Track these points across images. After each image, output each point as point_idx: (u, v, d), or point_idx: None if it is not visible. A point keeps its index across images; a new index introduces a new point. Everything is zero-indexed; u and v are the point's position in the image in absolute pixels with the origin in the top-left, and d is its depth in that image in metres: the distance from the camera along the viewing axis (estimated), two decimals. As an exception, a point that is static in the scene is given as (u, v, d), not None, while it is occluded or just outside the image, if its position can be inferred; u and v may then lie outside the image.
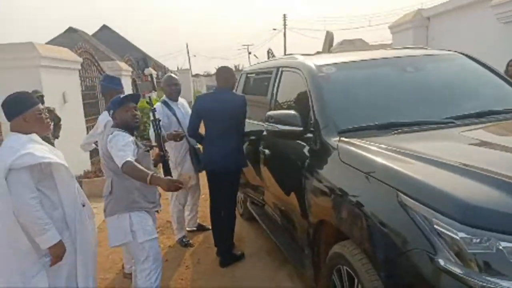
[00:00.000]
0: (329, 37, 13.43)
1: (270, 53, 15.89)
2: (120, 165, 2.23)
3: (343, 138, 2.09)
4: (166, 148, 2.95)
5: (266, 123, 2.42)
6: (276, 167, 2.90)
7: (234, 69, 19.45)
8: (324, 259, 2.12)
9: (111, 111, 2.51)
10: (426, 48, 3.16)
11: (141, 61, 3.18)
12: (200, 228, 4.08)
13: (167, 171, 2.85)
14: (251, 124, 3.42)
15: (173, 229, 3.96)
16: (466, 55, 2.88)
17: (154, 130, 2.93)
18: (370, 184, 1.70)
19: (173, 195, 3.77)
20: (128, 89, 8.51)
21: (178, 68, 32.32)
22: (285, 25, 26.76)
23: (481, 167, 1.46)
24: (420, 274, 1.33)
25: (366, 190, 1.70)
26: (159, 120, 2.98)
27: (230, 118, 3.12)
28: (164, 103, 3.63)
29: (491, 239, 1.20)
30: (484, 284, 1.17)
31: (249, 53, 37.88)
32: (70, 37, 20.50)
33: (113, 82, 3.21)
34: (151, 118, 2.98)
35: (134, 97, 2.58)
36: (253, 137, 3.36)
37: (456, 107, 2.32)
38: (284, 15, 29.24)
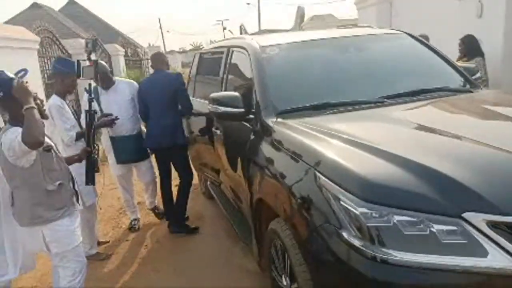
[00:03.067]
0: (300, 12, 13.33)
1: (242, 29, 15.62)
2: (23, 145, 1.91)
3: (279, 119, 2.15)
4: (96, 144, 2.81)
5: (209, 105, 2.45)
6: (226, 147, 2.95)
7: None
8: (264, 235, 2.22)
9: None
10: (372, 27, 3.21)
11: (90, 43, 2.91)
12: (155, 210, 4.01)
13: (91, 171, 2.71)
14: (205, 105, 3.43)
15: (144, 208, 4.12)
16: (409, 35, 2.95)
17: (86, 122, 2.79)
18: (294, 163, 1.77)
19: (117, 181, 3.77)
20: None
21: (149, 45, 31.38)
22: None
23: (390, 146, 1.55)
24: (329, 247, 1.43)
25: (292, 169, 1.78)
26: (95, 112, 2.85)
27: (163, 96, 3.33)
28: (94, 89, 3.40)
29: (388, 213, 1.30)
30: (379, 254, 1.27)
31: (224, 28, 37.05)
32: (35, 14, 19.48)
33: (66, 66, 2.94)
34: (87, 107, 2.84)
35: None
36: (206, 118, 3.39)
37: (391, 86, 2.40)
38: (259, -11, 28.57)
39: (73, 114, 3.07)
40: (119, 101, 3.45)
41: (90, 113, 2.79)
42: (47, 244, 2.19)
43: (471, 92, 2.44)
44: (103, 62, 3.61)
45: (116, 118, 3.25)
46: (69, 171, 2.35)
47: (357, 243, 1.32)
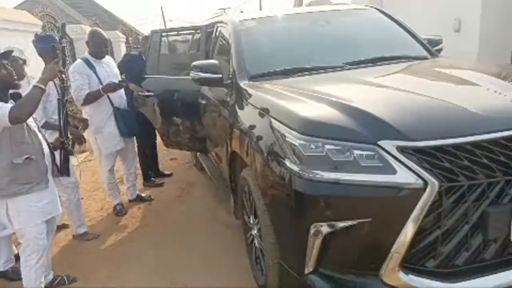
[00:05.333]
0: (298, -2, 13.46)
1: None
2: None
3: (251, 82, 2.44)
4: (69, 135, 2.66)
5: (191, 72, 2.73)
6: (209, 113, 3.24)
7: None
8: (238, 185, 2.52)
9: None
10: (346, 4, 3.46)
11: (60, 28, 2.91)
12: (140, 199, 3.94)
13: (66, 161, 2.56)
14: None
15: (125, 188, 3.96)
16: (379, 10, 3.20)
17: (58, 111, 2.61)
18: (257, 114, 2.06)
19: (100, 160, 3.64)
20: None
21: (153, 33, 31.34)
22: (260, -13, 26.20)
23: (331, 95, 1.84)
24: (277, 175, 1.72)
25: (254, 120, 2.07)
26: (67, 101, 2.72)
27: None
28: (85, 60, 3.42)
29: (321, 144, 1.59)
30: (311, 176, 1.56)
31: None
32: (38, 2, 19.76)
33: (45, 42, 2.97)
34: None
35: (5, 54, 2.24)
36: (194, 92, 3.64)
37: (354, 54, 2.66)
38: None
39: (57, 91, 2.93)
40: (115, 73, 3.59)
41: (63, 102, 2.62)
42: (9, 218, 2.19)
43: (427, 59, 2.70)
44: (100, 30, 3.64)
45: (124, 81, 3.39)
46: (42, 146, 2.29)
47: (297, 168, 1.61)
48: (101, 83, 3.37)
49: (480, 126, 1.51)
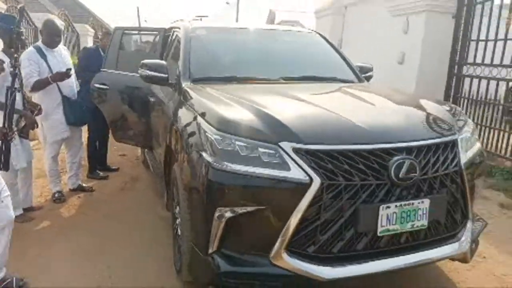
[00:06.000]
0: (271, 16, 14.05)
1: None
2: None
3: (192, 84, 2.68)
4: (14, 126, 2.57)
5: (140, 69, 2.92)
6: (155, 111, 3.43)
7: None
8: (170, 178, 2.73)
9: None
10: (293, 26, 3.81)
11: (19, 13, 2.94)
12: (81, 189, 3.98)
13: (6, 154, 2.46)
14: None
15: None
16: (320, 35, 3.57)
17: (6, 100, 2.53)
18: (189, 112, 2.30)
19: (45, 147, 3.69)
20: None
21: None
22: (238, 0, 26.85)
23: (253, 101, 2.11)
24: (195, 165, 1.95)
25: (186, 117, 2.30)
26: (15, 89, 2.63)
27: None
28: (37, 49, 3.46)
29: (232, 140, 1.85)
30: (222, 166, 1.81)
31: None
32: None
33: (5, 22, 2.95)
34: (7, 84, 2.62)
35: None
36: (145, 89, 3.82)
37: (290, 71, 2.99)
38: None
39: (11, 74, 2.88)
40: (66, 62, 3.66)
41: (12, 90, 2.55)
42: None
43: (352, 82, 3.07)
44: (54, 20, 3.72)
45: (70, 70, 3.45)
46: None
47: (210, 159, 1.85)
48: (51, 71, 3.44)
49: (361, 137, 1.83)
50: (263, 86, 2.66)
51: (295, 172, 1.75)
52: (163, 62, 2.91)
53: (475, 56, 5.08)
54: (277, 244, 1.77)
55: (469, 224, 2.12)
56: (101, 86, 3.93)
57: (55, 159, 3.74)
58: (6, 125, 2.49)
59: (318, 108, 2.07)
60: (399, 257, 1.90)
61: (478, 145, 2.29)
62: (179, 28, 3.34)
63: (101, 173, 4.48)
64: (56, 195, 3.75)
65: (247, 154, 1.82)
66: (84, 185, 4.06)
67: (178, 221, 2.48)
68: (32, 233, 3.11)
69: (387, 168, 1.79)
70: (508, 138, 4.67)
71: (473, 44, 5.15)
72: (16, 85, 2.69)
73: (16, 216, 3.17)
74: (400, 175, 1.79)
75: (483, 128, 5.01)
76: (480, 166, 2.24)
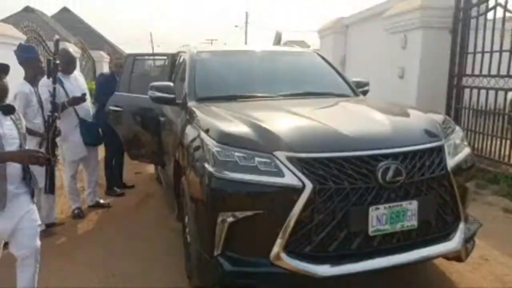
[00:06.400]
0: (277, 36, 14.46)
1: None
2: None
3: (197, 103, 2.91)
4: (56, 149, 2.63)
5: (150, 91, 3.17)
6: (166, 129, 3.67)
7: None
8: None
9: None
10: (295, 46, 4.06)
11: (54, 44, 3.23)
12: (99, 205, 4.20)
13: (51, 178, 2.50)
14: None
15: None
16: (318, 54, 3.79)
17: (48, 125, 2.66)
18: (194, 129, 2.51)
19: (64, 167, 3.93)
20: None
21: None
22: (246, 23, 27.69)
23: (253, 116, 2.32)
24: (201, 174, 2.14)
25: (192, 133, 2.51)
26: (56, 116, 2.73)
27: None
28: None
29: (232, 151, 2.04)
30: (223, 175, 2.00)
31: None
32: (27, 17, 20.12)
33: (29, 52, 3.31)
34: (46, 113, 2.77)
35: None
36: (156, 109, 4.08)
37: (288, 88, 3.20)
38: (246, 13, 30.08)
39: (38, 103, 3.34)
40: (82, 87, 3.93)
41: (53, 118, 2.62)
42: None
43: (348, 96, 3.26)
44: (68, 49, 4.05)
45: (85, 95, 3.73)
46: (5, 167, 2.05)
47: (212, 169, 2.05)
48: (67, 96, 3.70)
49: (349, 145, 2.00)
50: (262, 103, 2.87)
51: (289, 178, 1.93)
52: (170, 83, 3.16)
53: (472, 68, 5.23)
54: (276, 245, 1.93)
55: (461, 225, 2.24)
56: (115, 108, 4.21)
57: (74, 177, 3.99)
58: (49, 151, 2.55)
59: (310, 121, 2.26)
60: (393, 255, 2.03)
61: (467, 150, 2.43)
62: (185, 52, 3.61)
63: (118, 190, 4.71)
64: (76, 211, 3.97)
65: (245, 164, 2.01)
66: (101, 201, 4.30)
67: (187, 230, 2.66)
68: (54, 247, 3.32)
69: (374, 172, 1.95)
70: (511, 146, 4.74)
71: (470, 56, 5.30)
72: (56, 113, 2.80)
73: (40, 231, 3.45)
74: (387, 179, 1.94)
75: (485, 136, 5.10)
76: (470, 170, 2.37)
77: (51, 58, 3.07)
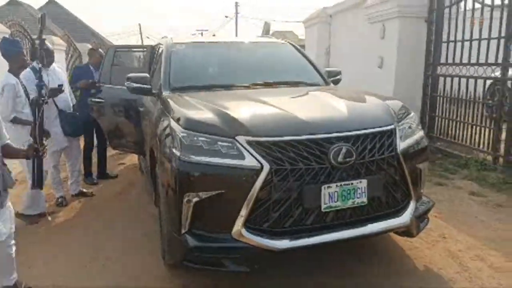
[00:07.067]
0: (266, 27, 14.52)
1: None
2: None
3: (171, 93, 3.04)
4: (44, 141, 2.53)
5: (126, 82, 3.29)
6: (144, 119, 3.79)
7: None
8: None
9: None
10: (269, 37, 4.18)
11: (39, 20, 3.10)
12: (82, 194, 4.33)
13: (39, 172, 2.40)
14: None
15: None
16: (292, 44, 3.92)
17: (34, 115, 2.54)
18: (165, 116, 2.65)
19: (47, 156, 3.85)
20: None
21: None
22: (236, 13, 27.58)
23: (218, 103, 2.46)
24: (169, 158, 2.29)
25: (164, 122, 2.64)
26: (42, 101, 2.65)
27: None
28: (33, 68, 3.61)
29: (196, 136, 2.19)
30: (188, 159, 2.15)
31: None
32: (13, 10, 19.92)
33: (13, 45, 3.44)
34: (33, 97, 2.71)
35: None
36: (136, 100, 4.20)
37: (262, 77, 3.33)
38: (236, 3, 29.88)
39: (25, 93, 3.48)
40: (61, 79, 3.99)
41: (40, 103, 2.50)
42: None
43: (318, 85, 3.41)
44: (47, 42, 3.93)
45: (61, 86, 3.77)
46: None
47: (178, 153, 2.19)
48: (46, 88, 3.66)
49: (304, 129, 2.16)
50: (233, 92, 3.02)
51: (249, 160, 2.09)
52: (146, 74, 3.28)
53: (446, 57, 5.40)
54: (237, 222, 2.09)
55: (412, 203, 2.42)
56: (97, 100, 4.33)
57: (56, 167, 4.11)
58: (37, 140, 2.40)
59: (272, 108, 2.41)
60: (346, 230, 2.21)
61: (420, 133, 2.60)
62: (162, 44, 3.72)
63: (95, 180, 4.84)
64: (59, 200, 4.12)
65: (209, 148, 2.16)
66: (84, 190, 4.43)
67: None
68: (36, 233, 3.46)
69: (327, 154, 2.12)
70: (480, 132, 4.95)
71: (444, 45, 5.47)
72: (44, 97, 2.68)
73: (25, 215, 3.56)
74: (339, 160, 2.11)
75: (458, 123, 5.30)
76: (422, 153, 2.55)
77: (35, 37, 3.07)
